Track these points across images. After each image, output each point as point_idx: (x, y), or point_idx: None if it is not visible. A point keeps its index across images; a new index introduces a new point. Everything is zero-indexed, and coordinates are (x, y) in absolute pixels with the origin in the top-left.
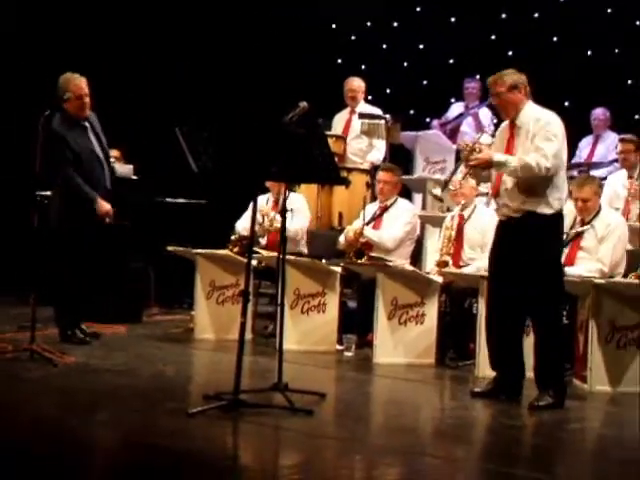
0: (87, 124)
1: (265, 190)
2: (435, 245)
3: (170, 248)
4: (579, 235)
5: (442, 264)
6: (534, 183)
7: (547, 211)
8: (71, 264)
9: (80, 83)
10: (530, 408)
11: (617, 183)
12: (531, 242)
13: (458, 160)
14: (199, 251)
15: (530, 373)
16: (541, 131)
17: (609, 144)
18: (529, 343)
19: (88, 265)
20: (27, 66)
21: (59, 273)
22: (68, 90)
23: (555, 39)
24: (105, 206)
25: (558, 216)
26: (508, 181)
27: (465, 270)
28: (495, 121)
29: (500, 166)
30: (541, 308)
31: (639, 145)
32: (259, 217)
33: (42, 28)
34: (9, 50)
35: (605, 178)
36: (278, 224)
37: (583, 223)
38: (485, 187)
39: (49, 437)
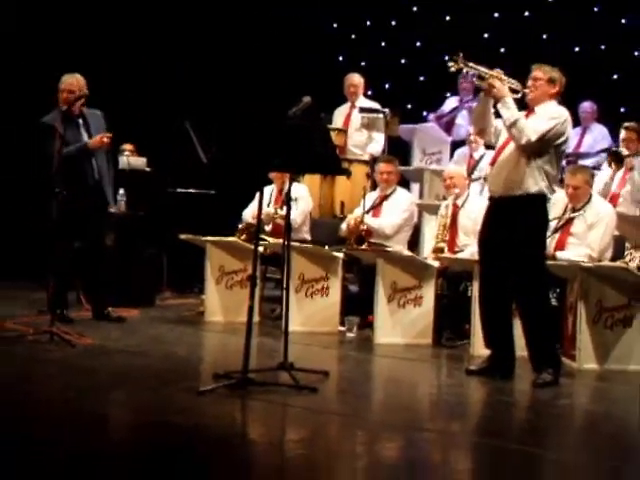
0: (80, 120)
1: (269, 182)
2: (432, 232)
3: (182, 236)
4: (570, 221)
5: (438, 250)
6: (525, 163)
7: (532, 191)
8: (70, 249)
9: (65, 79)
10: (533, 386)
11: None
12: (515, 222)
13: (453, 151)
14: (209, 238)
15: (521, 352)
16: (547, 113)
17: (596, 135)
18: (519, 324)
19: (98, 252)
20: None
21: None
22: (59, 86)
23: (544, 36)
24: (96, 139)
25: (543, 198)
26: (507, 152)
27: (460, 255)
28: None
29: (503, 105)
30: (525, 289)
31: None
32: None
33: (46, 27)
34: (12, 50)
35: (595, 168)
36: (282, 213)
37: (574, 210)
38: (478, 174)
39: (67, 415)
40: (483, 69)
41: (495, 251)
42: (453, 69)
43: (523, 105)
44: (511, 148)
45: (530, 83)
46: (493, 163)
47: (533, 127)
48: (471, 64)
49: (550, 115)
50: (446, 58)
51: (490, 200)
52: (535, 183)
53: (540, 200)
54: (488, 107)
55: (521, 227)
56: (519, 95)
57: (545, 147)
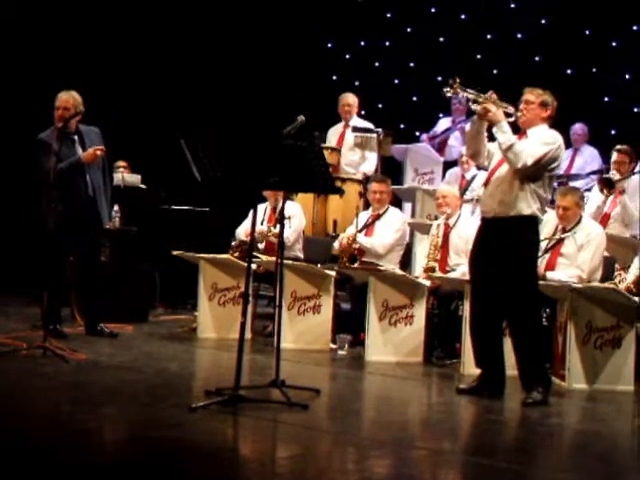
0: (76, 137)
1: (263, 200)
2: (423, 251)
3: (175, 252)
4: (560, 242)
5: (429, 270)
6: (519, 185)
7: (525, 213)
8: (65, 264)
9: (61, 97)
10: (523, 405)
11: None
12: (507, 243)
13: (445, 171)
14: (202, 255)
15: (510, 371)
16: (542, 137)
17: (587, 157)
18: (509, 342)
19: (91, 267)
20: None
21: (57, 270)
22: (55, 104)
23: (537, 59)
24: (88, 152)
25: (535, 220)
26: (500, 174)
27: (451, 275)
28: None
29: (498, 129)
30: (516, 309)
31: (633, 157)
32: (258, 227)
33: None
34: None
35: (586, 189)
36: (276, 231)
37: (564, 231)
38: (470, 195)
39: (61, 429)
40: (478, 94)
41: (486, 271)
42: (449, 94)
43: (516, 128)
44: (504, 170)
45: (522, 106)
46: (486, 184)
47: (529, 151)
48: (468, 90)
49: (544, 140)
50: (444, 88)
51: (482, 220)
52: (528, 206)
53: (532, 222)
54: (482, 130)
55: (513, 248)
56: (513, 119)
57: (539, 171)
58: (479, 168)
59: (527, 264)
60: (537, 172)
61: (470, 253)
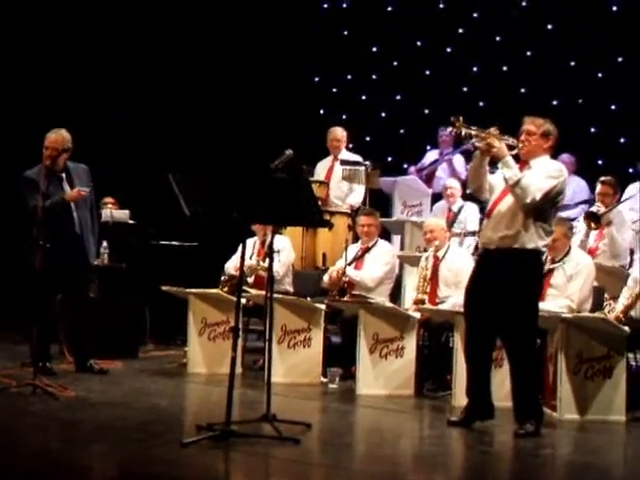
0: (63, 175)
1: (252, 234)
2: (413, 283)
3: (164, 288)
4: (549, 272)
5: (419, 302)
6: (522, 219)
7: (528, 247)
8: (53, 301)
9: (49, 136)
10: (515, 436)
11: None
12: (508, 275)
13: (434, 203)
14: (191, 290)
15: (500, 403)
16: (548, 170)
17: (574, 187)
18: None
19: (80, 304)
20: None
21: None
22: (44, 143)
23: (523, 90)
24: (72, 192)
25: (537, 254)
26: (503, 207)
27: (441, 307)
28: (468, 167)
29: (504, 164)
30: (516, 342)
31: (617, 188)
32: (247, 261)
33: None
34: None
35: (573, 219)
36: (265, 265)
37: (553, 261)
38: (459, 228)
39: (51, 467)
40: (481, 130)
41: (484, 301)
42: (453, 133)
43: (515, 158)
44: (508, 202)
45: (523, 137)
46: (488, 216)
47: (537, 186)
48: (471, 127)
49: (550, 174)
50: (447, 127)
51: (483, 252)
52: (530, 239)
53: (535, 255)
54: (484, 165)
55: (514, 281)
56: (516, 151)
57: (545, 204)
58: (465, 199)
59: (528, 298)
60: (543, 206)
61: (468, 282)
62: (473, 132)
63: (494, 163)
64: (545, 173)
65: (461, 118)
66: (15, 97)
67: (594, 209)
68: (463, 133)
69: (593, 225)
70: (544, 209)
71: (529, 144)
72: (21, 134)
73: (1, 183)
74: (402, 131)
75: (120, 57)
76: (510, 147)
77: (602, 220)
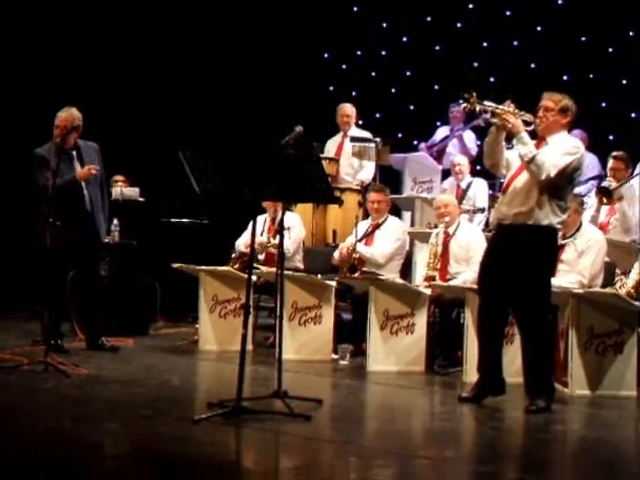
0: (74, 153)
1: (262, 211)
2: (423, 260)
3: (175, 265)
4: (560, 248)
5: (430, 278)
6: (537, 195)
7: (543, 223)
8: (64, 279)
9: (59, 114)
10: (526, 412)
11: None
12: (522, 251)
13: (444, 179)
14: (202, 268)
15: (511, 379)
16: (564, 147)
17: (587, 163)
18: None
19: (91, 282)
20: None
21: (57, 286)
22: (55, 121)
23: (533, 65)
24: (83, 170)
25: (552, 230)
26: (519, 184)
27: (452, 283)
28: (479, 143)
29: (519, 140)
30: (529, 318)
31: (629, 163)
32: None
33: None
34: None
35: (584, 195)
36: (275, 242)
37: (564, 237)
38: (467, 205)
39: (63, 444)
40: (496, 106)
41: (498, 276)
42: (467, 109)
43: (533, 134)
44: (524, 178)
45: (541, 113)
46: (504, 192)
47: (552, 162)
48: (485, 102)
49: (567, 150)
50: (461, 102)
51: (498, 227)
52: (546, 216)
53: (549, 232)
54: (500, 141)
55: (528, 257)
56: (532, 127)
57: (562, 181)
58: (473, 175)
59: (541, 274)
60: (559, 182)
61: (482, 257)
62: (489, 108)
63: (510, 139)
64: (562, 150)
65: (474, 94)
66: (15, 97)
67: (605, 184)
68: (477, 109)
69: (605, 200)
70: (560, 186)
71: (547, 120)
72: (21, 134)
73: (11, 160)
74: (412, 107)
75: (125, 36)
76: (526, 123)
77: (614, 195)
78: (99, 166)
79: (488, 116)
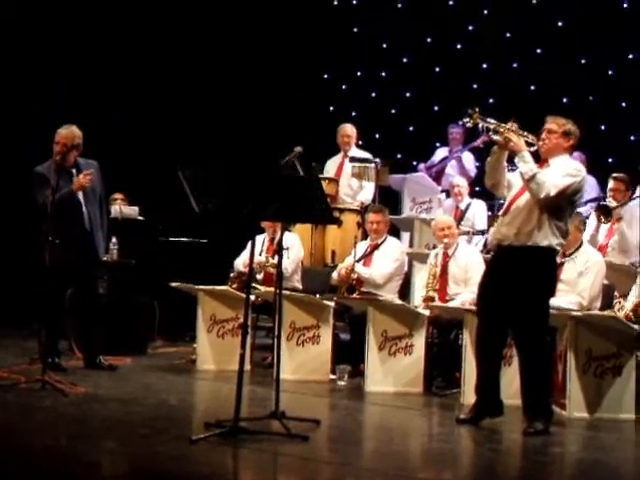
0: (74, 170)
1: (261, 231)
2: (422, 281)
3: (174, 284)
4: (560, 266)
5: (428, 299)
6: (538, 216)
7: (542, 244)
8: (62, 297)
9: (60, 132)
10: (524, 434)
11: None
12: (521, 273)
13: (448, 197)
14: (201, 287)
15: (511, 401)
16: (566, 168)
17: (586, 186)
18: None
19: (89, 300)
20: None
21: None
22: (55, 138)
23: (532, 87)
24: (78, 179)
25: (551, 252)
26: (519, 205)
27: (450, 304)
28: (477, 164)
29: (521, 159)
30: (527, 340)
31: (629, 184)
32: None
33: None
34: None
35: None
36: (274, 262)
37: (564, 255)
38: (466, 226)
39: (60, 462)
40: (498, 123)
41: (496, 297)
42: (469, 124)
43: (536, 156)
44: (525, 199)
45: (544, 135)
46: (505, 213)
47: (553, 182)
48: (488, 119)
49: (568, 172)
50: (463, 118)
51: (497, 248)
52: (545, 237)
53: (548, 253)
54: (502, 160)
55: (527, 278)
56: (534, 148)
57: (562, 203)
58: (472, 197)
59: (540, 295)
60: (559, 203)
61: (481, 278)
62: (491, 125)
63: (512, 160)
64: (563, 171)
65: (477, 109)
66: (15, 97)
67: (606, 203)
68: (480, 125)
69: (603, 219)
70: (560, 207)
71: (549, 142)
72: (21, 134)
73: (10, 179)
74: (411, 128)
75: (125, 53)
76: (528, 144)
77: (613, 214)
78: (98, 184)
79: (489, 134)
